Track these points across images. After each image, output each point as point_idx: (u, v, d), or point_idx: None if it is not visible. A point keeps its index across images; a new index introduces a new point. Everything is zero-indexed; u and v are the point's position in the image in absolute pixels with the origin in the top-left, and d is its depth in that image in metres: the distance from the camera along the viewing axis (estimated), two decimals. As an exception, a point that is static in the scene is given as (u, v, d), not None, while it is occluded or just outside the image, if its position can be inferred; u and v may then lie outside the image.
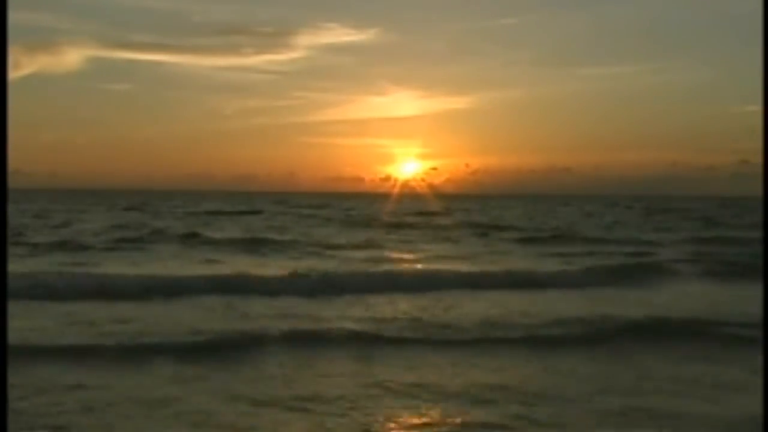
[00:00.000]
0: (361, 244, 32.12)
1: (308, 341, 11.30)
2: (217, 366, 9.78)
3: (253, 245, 30.21)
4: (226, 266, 21.46)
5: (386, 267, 22.57)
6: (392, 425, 7.38)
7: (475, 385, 8.89)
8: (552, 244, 34.23)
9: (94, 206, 72.34)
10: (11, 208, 43.83)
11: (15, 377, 8.18)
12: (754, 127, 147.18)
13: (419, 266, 24.29)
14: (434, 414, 7.74)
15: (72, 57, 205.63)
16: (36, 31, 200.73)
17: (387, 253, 28.33)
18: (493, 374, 9.51)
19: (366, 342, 11.39)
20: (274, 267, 21.13)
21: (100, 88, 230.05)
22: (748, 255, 26.06)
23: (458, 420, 7.54)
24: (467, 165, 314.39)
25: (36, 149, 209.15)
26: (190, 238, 33.31)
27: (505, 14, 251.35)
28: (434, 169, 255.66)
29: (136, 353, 10.34)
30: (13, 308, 8.83)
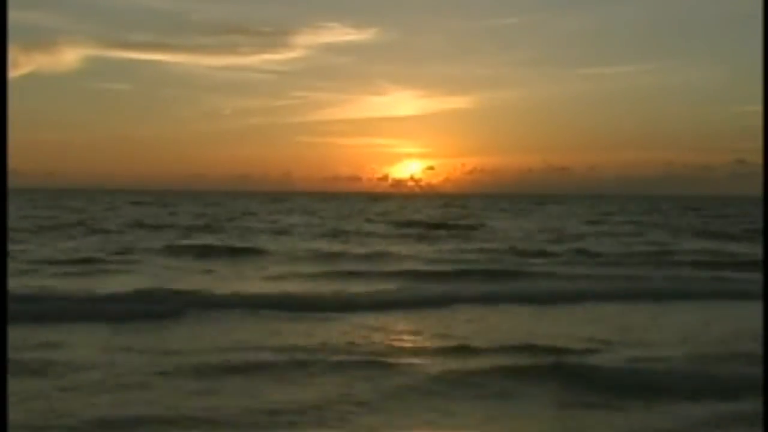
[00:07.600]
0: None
1: None
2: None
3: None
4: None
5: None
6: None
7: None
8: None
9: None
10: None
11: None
12: (750, 126, 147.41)
13: None
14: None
15: (70, 56, 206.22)
16: (34, 31, 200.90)
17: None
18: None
19: None
20: None
21: (98, 88, 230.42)
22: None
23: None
24: (463, 165, 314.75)
25: (34, 149, 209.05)
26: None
27: (505, 14, 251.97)
28: (431, 168, 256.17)
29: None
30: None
